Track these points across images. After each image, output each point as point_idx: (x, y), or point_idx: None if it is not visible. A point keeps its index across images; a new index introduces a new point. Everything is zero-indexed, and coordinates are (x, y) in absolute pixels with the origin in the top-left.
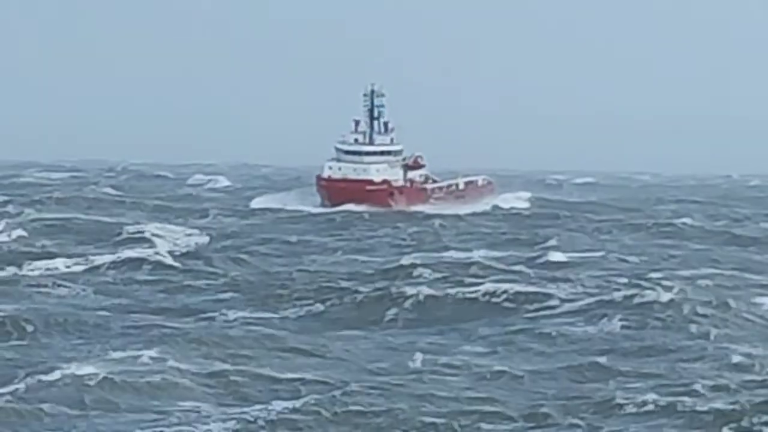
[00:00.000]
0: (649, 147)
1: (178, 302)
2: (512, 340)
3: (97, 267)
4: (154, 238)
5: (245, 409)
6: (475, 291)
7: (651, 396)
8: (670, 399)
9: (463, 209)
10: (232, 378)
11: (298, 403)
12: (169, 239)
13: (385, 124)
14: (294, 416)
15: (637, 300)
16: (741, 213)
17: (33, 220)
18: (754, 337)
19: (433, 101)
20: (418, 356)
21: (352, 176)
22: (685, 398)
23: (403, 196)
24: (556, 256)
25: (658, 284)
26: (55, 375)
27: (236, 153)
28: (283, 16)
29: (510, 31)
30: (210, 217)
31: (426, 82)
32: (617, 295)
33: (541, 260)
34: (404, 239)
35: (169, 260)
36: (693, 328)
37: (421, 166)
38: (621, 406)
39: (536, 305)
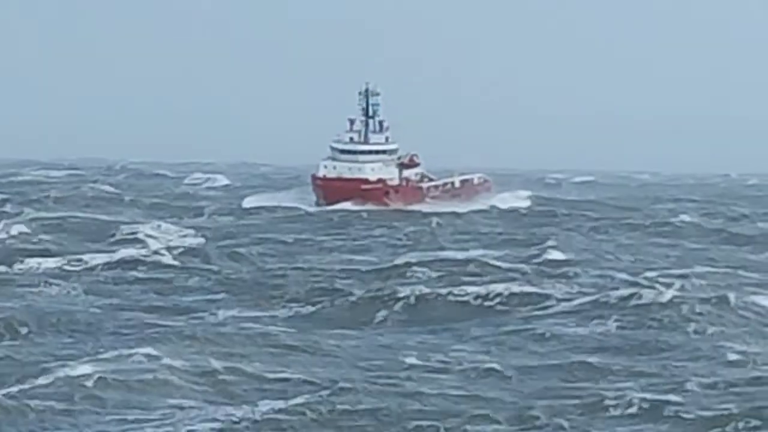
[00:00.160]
0: (649, 146)
1: (171, 301)
2: (505, 339)
3: (91, 266)
4: (148, 238)
5: (235, 408)
6: (471, 290)
7: (642, 395)
8: (662, 398)
9: (460, 207)
10: (223, 377)
11: (287, 403)
12: (163, 238)
13: (380, 122)
14: (282, 416)
15: (632, 299)
16: (739, 212)
17: (31, 219)
18: (749, 336)
19: (430, 100)
20: (410, 355)
21: (348, 175)
22: (677, 398)
23: (398, 194)
24: (554, 255)
25: (655, 283)
26: (48, 374)
27: (236, 152)
28: (285, 16)
29: (509, 31)
30: (206, 216)
31: (424, 80)
32: (613, 295)
33: (538, 259)
34: (400, 239)
35: (162, 259)
36: (689, 327)
37: (416, 165)
38: (610, 406)
39: (532, 305)
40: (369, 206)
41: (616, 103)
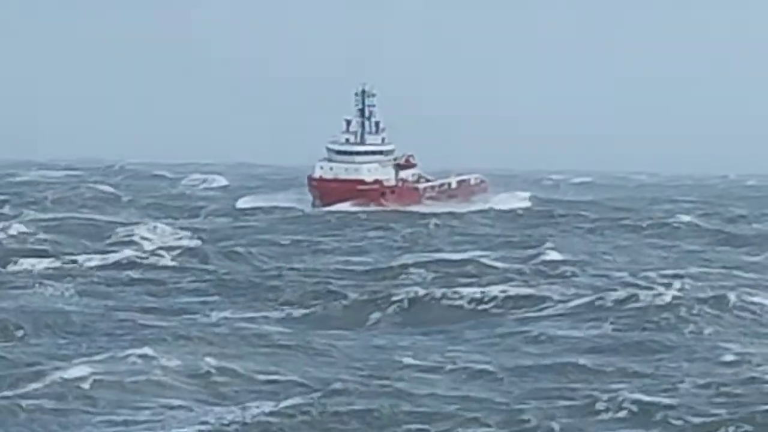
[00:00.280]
0: (647, 147)
1: (166, 302)
2: (500, 341)
3: (86, 267)
4: (144, 239)
5: (227, 409)
6: (467, 292)
7: (635, 397)
8: (654, 400)
9: (457, 208)
10: (217, 378)
11: (279, 405)
12: (158, 239)
13: (377, 123)
14: (273, 418)
15: (629, 301)
16: (736, 213)
17: (28, 220)
18: (745, 337)
19: (426, 101)
20: (404, 356)
21: (344, 176)
22: (669, 400)
23: (394, 195)
24: (551, 256)
25: (652, 285)
26: (42, 375)
27: (234, 153)
28: (283, 17)
29: (506, 31)
30: (202, 217)
31: (420, 82)
32: (610, 296)
33: (536, 261)
34: (396, 240)
35: (157, 260)
36: (685, 328)
37: (412, 166)
38: (602, 408)
39: (528, 306)
40: (365, 207)
41: (612, 104)
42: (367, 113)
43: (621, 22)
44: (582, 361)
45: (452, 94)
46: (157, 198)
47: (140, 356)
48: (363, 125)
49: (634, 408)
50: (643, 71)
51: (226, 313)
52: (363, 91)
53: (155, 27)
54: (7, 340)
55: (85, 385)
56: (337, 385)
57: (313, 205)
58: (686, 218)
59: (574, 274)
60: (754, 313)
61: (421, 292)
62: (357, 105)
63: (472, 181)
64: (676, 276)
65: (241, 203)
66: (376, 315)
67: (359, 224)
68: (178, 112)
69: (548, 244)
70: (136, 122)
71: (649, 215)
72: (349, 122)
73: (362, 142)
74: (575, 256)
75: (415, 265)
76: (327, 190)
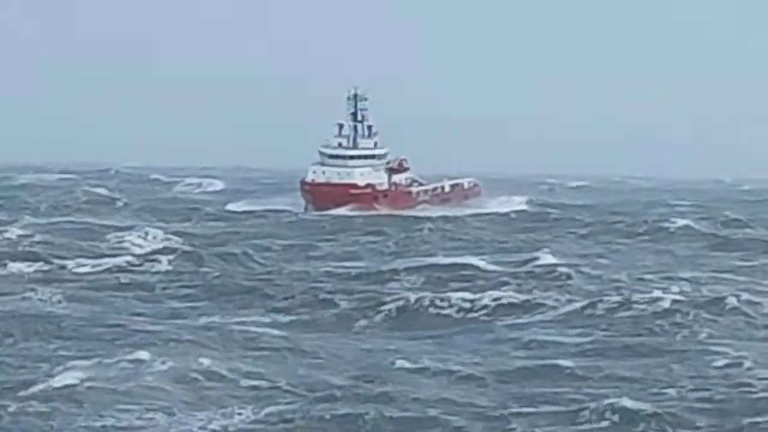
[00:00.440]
0: (643, 151)
1: (156, 307)
2: (491, 346)
3: (76, 272)
4: (135, 244)
5: (217, 414)
6: (460, 297)
7: (622, 404)
8: (641, 407)
9: (450, 212)
10: (205, 383)
11: (264, 410)
12: (149, 244)
13: (369, 127)
14: (257, 426)
15: (622, 305)
16: (732, 217)
17: (21, 224)
18: (739, 341)
19: (419, 103)
20: (392, 361)
21: (336, 180)
22: (656, 408)
23: (387, 199)
24: (546, 261)
25: (645, 289)
26: (30, 380)
27: (232, 156)
28: (285, 17)
29: (500, 33)
30: (195, 221)
31: (414, 85)
32: (603, 301)
33: (530, 265)
34: (389, 245)
35: (147, 265)
36: (678, 333)
37: (405, 169)
38: (587, 415)
39: (521, 311)
40: (358, 211)
41: (609, 107)
42: (359, 117)
43: (617, 23)
44: (571, 366)
45: (445, 97)
46: (150, 202)
47: (130, 361)
48: (355, 129)
49: (617, 417)
50: (642, 74)
51: (217, 318)
52: (355, 95)
53: (153, 31)
54: None
55: (74, 390)
56: (325, 391)
57: (306, 210)
58: (681, 222)
59: (568, 277)
60: (748, 316)
61: (413, 296)
62: (349, 109)
63: (466, 185)
64: (670, 280)
65: (233, 207)
66: (367, 320)
67: (352, 228)
68: (173, 116)
69: (543, 248)
70: (131, 126)
71: (644, 219)
72: (341, 126)
73: (355, 146)
74: (570, 260)
75: (408, 269)
76: (319, 195)
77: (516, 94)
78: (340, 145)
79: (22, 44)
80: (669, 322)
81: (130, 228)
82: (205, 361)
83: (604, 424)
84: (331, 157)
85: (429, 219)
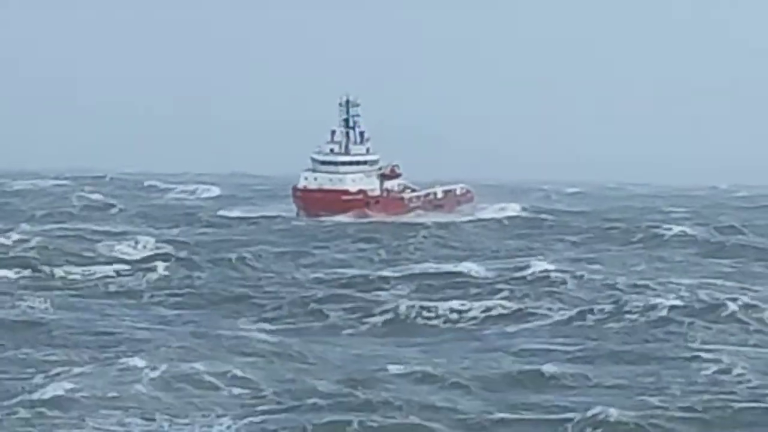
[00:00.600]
0: (638, 156)
1: (146, 314)
2: (480, 353)
3: (67, 279)
4: (126, 251)
5: (193, 422)
6: (451, 304)
7: (606, 412)
8: (626, 415)
9: (442, 218)
10: (190, 390)
11: (246, 420)
12: (140, 251)
13: (361, 133)
14: None
15: (614, 312)
16: (726, 224)
17: (14, 230)
18: (731, 346)
19: (411, 109)
20: (378, 368)
21: (328, 186)
22: (640, 417)
23: (379, 205)
24: (538, 268)
25: (638, 296)
26: (18, 387)
27: (229, 162)
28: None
29: (497, 41)
30: (187, 228)
31: (407, 91)
32: (594, 308)
33: (522, 272)
34: (380, 252)
35: (138, 272)
36: (670, 339)
37: (397, 176)
38: (569, 423)
39: (512, 318)
40: (350, 217)
41: (605, 113)
42: (351, 123)
43: (616, 27)
44: (558, 373)
45: (438, 104)
46: (145, 208)
47: (118, 368)
48: (347, 135)
49: (600, 426)
50: (640, 77)
51: (206, 325)
52: (347, 101)
53: (153, 34)
54: None
55: (60, 397)
56: (310, 399)
57: (298, 216)
58: (676, 229)
59: (562, 283)
60: (741, 323)
61: (403, 304)
62: (341, 115)
63: (458, 192)
64: (664, 287)
65: (227, 213)
66: (356, 327)
67: (344, 235)
68: (169, 121)
69: (536, 255)
70: (127, 132)
71: (639, 225)
72: (333, 132)
73: (347, 152)
74: (563, 266)
75: (399, 277)
76: (311, 201)
77: (512, 99)
78: (331, 151)
79: (11, 47)
80: (662, 329)
81: (123, 235)
82: (192, 368)
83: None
84: (323, 163)
85: (421, 225)
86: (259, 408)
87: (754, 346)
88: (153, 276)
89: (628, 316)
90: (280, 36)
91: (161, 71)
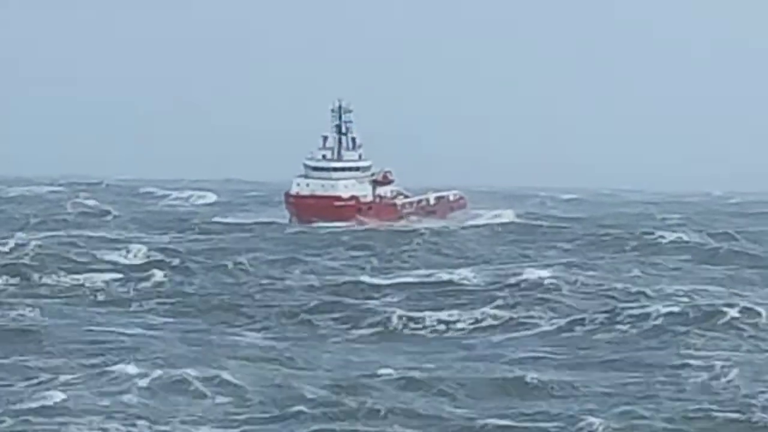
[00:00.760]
0: (634, 163)
1: (136, 322)
2: (470, 361)
3: (58, 287)
4: (118, 259)
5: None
6: (443, 311)
7: (590, 419)
8: (608, 425)
9: (435, 225)
10: (175, 397)
11: (230, 430)
12: (133, 258)
13: (353, 139)
14: None
15: (607, 319)
16: (720, 230)
17: (7, 238)
18: (724, 351)
19: (404, 115)
20: (367, 375)
21: (320, 192)
22: (623, 426)
23: (371, 211)
24: (531, 275)
25: (632, 302)
26: (9, 395)
27: (224, 168)
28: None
29: (490, 47)
30: (182, 234)
31: (399, 97)
32: (587, 315)
33: (515, 279)
34: (371, 260)
35: (131, 279)
36: (663, 347)
37: (390, 182)
38: (559, 427)
39: (504, 325)
40: (342, 224)
41: (601, 117)
42: (344, 129)
43: (611, 34)
44: (546, 380)
45: (431, 110)
46: (140, 215)
47: (109, 377)
48: (340, 141)
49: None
50: (635, 84)
51: (198, 331)
52: (340, 107)
53: (151, 39)
54: None
55: (46, 405)
56: (295, 406)
57: (290, 222)
58: (670, 236)
59: (556, 290)
60: (736, 329)
61: (394, 311)
62: (333, 121)
63: (451, 198)
64: (658, 293)
65: (221, 220)
66: (346, 334)
67: (338, 242)
68: (165, 127)
69: (529, 262)
70: (122, 138)
71: (632, 232)
72: (325, 138)
73: (339, 159)
74: (557, 273)
75: (391, 284)
76: (303, 207)
77: (506, 104)
78: (324, 157)
79: (6, 52)
80: (655, 335)
81: (118, 241)
82: (181, 376)
83: None
84: (315, 169)
85: (414, 232)
86: (243, 417)
87: (747, 352)
88: (146, 283)
89: (620, 323)
90: (280, 36)
91: (161, 71)
